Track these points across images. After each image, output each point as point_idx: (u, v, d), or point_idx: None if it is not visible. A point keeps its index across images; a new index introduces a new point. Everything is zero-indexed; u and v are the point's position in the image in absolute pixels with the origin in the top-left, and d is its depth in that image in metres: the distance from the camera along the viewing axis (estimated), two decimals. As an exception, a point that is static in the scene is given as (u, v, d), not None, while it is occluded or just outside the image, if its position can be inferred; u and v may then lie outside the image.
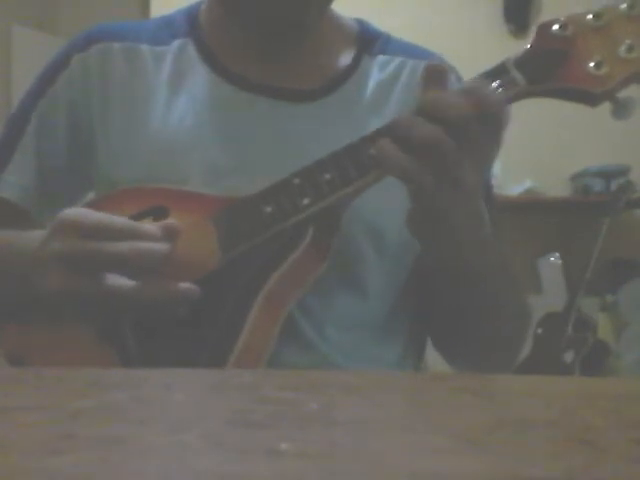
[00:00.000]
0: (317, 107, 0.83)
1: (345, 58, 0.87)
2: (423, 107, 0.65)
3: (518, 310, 0.85)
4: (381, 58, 0.88)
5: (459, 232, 0.70)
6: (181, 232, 0.70)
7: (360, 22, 0.92)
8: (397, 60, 0.88)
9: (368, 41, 0.89)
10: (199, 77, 0.85)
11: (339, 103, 0.84)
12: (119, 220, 0.68)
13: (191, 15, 0.89)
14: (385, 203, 0.80)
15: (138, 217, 0.75)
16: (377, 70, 0.87)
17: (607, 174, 3.13)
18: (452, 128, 0.63)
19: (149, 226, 0.69)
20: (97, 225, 0.67)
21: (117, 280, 0.67)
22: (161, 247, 0.67)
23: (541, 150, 3.24)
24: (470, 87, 0.67)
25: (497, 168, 2.93)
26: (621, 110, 0.70)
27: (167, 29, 0.88)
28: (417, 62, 0.88)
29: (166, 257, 0.67)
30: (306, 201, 0.70)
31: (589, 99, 0.71)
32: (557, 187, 3.25)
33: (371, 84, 0.86)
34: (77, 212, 0.69)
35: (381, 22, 0.97)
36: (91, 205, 0.84)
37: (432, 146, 0.63)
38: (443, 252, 0.73)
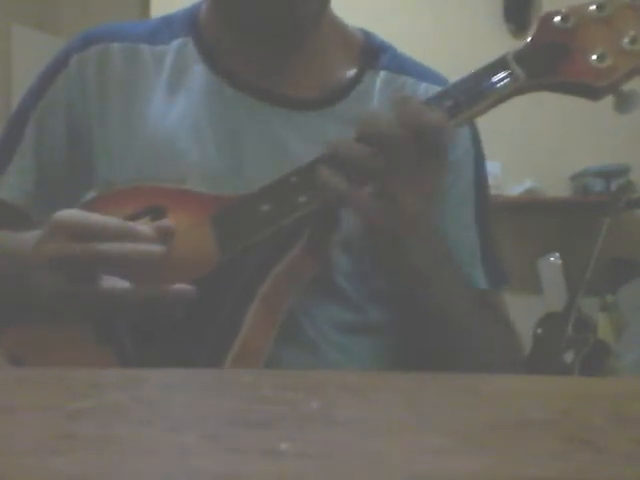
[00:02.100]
0: (317, 117, 0.83)
1: (348, 70, 0.86)
2: (358, 127, 0.65)
3: (497, 343, 0.82)
4: (385, 74, 0.86)
5: (412, 263, 0.68)
6: (176, 232, 0.70)
7: (366, 33, 0.91)
8: (401, 79, 0.87)
9: (373, 54, 0.88)
10: (198, 76, 0.84)
11: (339, 115, 0.83)
12: (113, 221, 0.68)
13: (192, 15, 0.89)
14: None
15: (135, 217, 0.75)
16: (380, 85, 0.86)
17: (607, 174, 3.13)
18: (385, 149, 0.63)
19: (143, 227, 0.69)
20: (91, 227, 0.67)
21: (112, 282, 0.67)
22: (155, 248, 0.67)
23: (541, 150, 3.24)
24: (404, 106, 0.66)
25: (497, 168, 2.94)
26: (624, 104, 0.68)
27: (167, 29, 0.88)
28: (417, 83, 0.87)
29: (161, 258, 0.67)
30: (303, 199, 0.70)
31: (591, 93, 0.69)
32: (557, 187, 3.25)
33: (374, 99, 0.85)
34: (70, 214, 0.69)
35: (382, 22, 0.97)
36: (88, 205, 0.84)
37: (364, 168, 0.64)
38: (400, 285, 0.72)
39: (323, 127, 0.82)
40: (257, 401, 0.37)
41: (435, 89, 0.87)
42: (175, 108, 0.83)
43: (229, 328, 0.70)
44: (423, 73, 0.89)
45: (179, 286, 0.67)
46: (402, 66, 0.88)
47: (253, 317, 0.70)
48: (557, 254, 3.16)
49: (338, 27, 0.89)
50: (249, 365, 0.70)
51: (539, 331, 2.72)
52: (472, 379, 0.45)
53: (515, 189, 3.18)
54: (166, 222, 0.71)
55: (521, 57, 0.69)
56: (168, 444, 0.29)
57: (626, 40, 0.67)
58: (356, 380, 0.45)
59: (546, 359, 2.60)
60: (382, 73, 0.87)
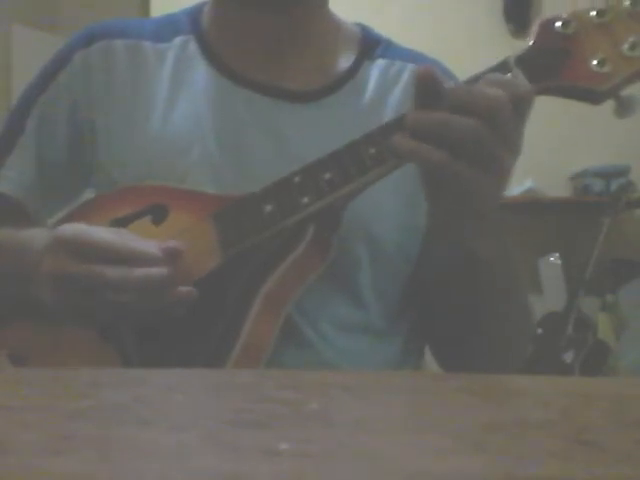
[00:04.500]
0: (316, 108, 0.83)
1: (345, 61, 0.87)
2: (457, 100, 0.64)
3: (521, 308, 0.85)
4: (381, 62, 0.88)
5: (479, 215, 0.71)
6: (182, 253, 0.69)
7: (362, 27, 0.92)
8: (397, 64, 0.88)
9: (369, 46, 0.89)
10: (200, 74, 0.85)
11: (338, 105, 0.84)
12: (117, 243, 0.68)
13: (194, 14, 0.90)
14: (381, 211, 0.80)
15: (137, 215, 0.75)
16: (377, 74, 0.87)
17: (607, 174, 3.13)
18: (489, 119, 0.63)
19: (149, 249, 0.68)
20: (94, 247, 0.67)
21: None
22: (160, 272, 0.66)
23: (541, 150, 3.23)
24: (498, 79, 0.67)
25: (497, 168, 2.93)
26: (624, 109, 0.69)
27: (169, 27, 0.89)
28: (415, 67, 0.88)
29: (165, 280, 0.66)
30: (306, 200, 0.70)
31: (592, 97, 0.70)
32: (557, 187, 3.25)
33: (370, 87, 0.86)
34: (75, 231, 0.69)
35: (380, 23, 0.97)
36: (91, 204, 0.84)
37: (471, 141, 0.63)
38: (458, 232, 0.73)
39: (323, 117, 0.83)
40: (257, 401, 0.37)
41: None
42: (177, 105, 0.83)
43: (231, 328, 0.70)
44: (418, 57, 0.90)
45: (180, 289, 0.67)
46: (397, 53, 0.90)
47: (255, 316, 0.70)
48: (557, 254, 3.16)
49: (335, 22, 0.90)
50: (251, 364, 0.70)
51: (539, 331, 2.72)
52: (472, 379, 0.45)
53: (515, 189, 3.18)
54: (173, 243, 0.70)
55: (523, 61, 0.70)
56: (168, 444, 0.29)
57: (626, 46, 0.69)
58: (356, 380, 0.45)
59: (546, 359, 2.60)
60: (378, 62, 0.88)
